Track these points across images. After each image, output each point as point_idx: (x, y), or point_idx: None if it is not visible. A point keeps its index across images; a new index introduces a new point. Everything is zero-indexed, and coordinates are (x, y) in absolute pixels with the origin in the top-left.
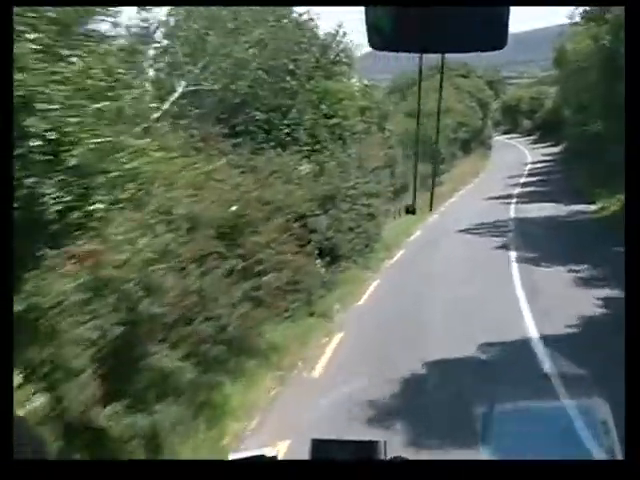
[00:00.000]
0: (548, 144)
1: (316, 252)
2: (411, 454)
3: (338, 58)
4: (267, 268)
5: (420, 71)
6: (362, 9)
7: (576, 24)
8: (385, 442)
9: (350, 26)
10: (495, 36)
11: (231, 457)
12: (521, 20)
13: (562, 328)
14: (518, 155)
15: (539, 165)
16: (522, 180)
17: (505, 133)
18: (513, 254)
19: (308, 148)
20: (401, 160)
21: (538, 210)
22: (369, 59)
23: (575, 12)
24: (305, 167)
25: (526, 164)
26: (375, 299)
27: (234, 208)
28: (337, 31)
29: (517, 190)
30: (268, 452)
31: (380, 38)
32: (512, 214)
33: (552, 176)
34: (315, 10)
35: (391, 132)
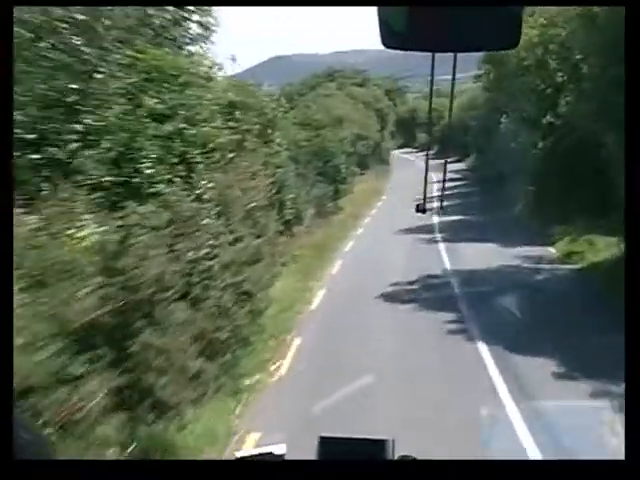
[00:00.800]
0: (450, 160)
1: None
2: None
3: (181, 13)
4: None
5: (432, 70)
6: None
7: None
8: (393, 440)
9: None
10: (508, 35)
11: (239, 454)
12: None
13: None
14: (420, 172)
15: (449, 184)
16: (436, 204)
17: (400, 147)
18: (489, 361)
19: (113, 180)
20: (293, 181)
21: (479, 255)
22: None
23: None
24: (89, 231)
25: (432, 183)
26: None
27: None
28: None
29: (436, 219)
30: (277, 450)
31: (392, 37)
32: (447, 262)
33: (471, 199)
34: None
35: (280, 145)
